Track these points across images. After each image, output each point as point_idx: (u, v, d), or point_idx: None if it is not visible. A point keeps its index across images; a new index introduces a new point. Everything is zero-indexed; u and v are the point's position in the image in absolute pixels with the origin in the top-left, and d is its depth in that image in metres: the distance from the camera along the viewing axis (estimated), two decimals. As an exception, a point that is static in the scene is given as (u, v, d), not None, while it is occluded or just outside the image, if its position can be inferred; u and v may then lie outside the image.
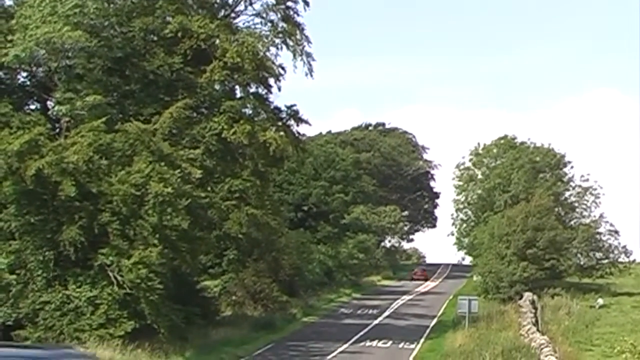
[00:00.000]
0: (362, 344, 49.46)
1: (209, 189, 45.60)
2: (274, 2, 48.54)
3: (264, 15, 48.59)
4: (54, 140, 40.56)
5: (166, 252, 39.92)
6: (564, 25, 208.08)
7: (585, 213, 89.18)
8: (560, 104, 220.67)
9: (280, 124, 48.23)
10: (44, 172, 38.21)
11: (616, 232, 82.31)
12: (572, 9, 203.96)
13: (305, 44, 48.14)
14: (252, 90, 47.59)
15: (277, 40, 47.73)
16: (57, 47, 40.94)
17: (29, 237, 40.15)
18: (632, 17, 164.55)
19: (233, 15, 50.03)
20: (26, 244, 40.09)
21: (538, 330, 46.69)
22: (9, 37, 41.14)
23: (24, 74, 44.68)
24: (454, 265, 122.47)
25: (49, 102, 43.40)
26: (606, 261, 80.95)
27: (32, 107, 45.16)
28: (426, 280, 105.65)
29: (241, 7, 49.74)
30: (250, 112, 47.43)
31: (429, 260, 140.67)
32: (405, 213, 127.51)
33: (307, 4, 48.96)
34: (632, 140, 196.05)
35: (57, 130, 42.53)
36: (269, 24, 48.43)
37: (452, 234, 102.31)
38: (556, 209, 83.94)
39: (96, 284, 39.33)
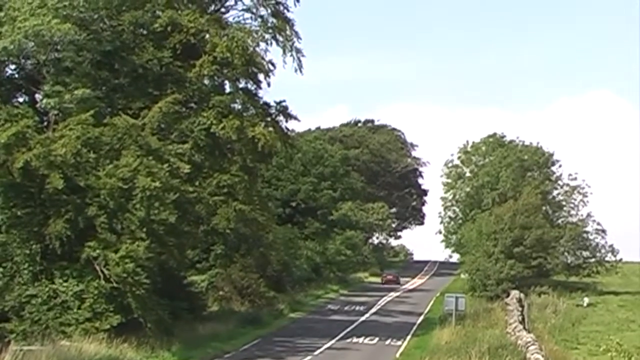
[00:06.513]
0: (349, 340, 49.48)
1: (197, 183, 45.50)
2: (264, -3, 48.45)
3: (254, 10, 48.58)
4: (41, 133, 40.38)
5: (153, 246, 39.81)
6: (559, 26, 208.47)
7: (572, 212, 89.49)
8: (553, 105, 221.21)
9: (269, 119, 48.14)
10: (32, 165, 38.08)
11: (603, 231, 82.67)
12: (567, 10, 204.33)
13: (295, 39, 48.11)
14: (242, 85, 47.58)
15: (267, 36, 47.67)
16: (46, 39, 40.72)
17: (16, 230, 40.01)
18: (627, 19, 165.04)
19: (223, 10, 49.98)
20: (12, 237, 39.95)
21: (524, 328, 46.74)
22: (-3, 29, 40.91)
23: (12, 67, 44.40)
24: (441, 262, 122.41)
25: (37, 95, 43.17)
26: (593, 260, 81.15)
27: (20, 99, 44.90)
28: (398, 283, 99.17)
29: (231, 2, 49.82)
30: (239, 107, 47.35)
31: (416, 258, 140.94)
32: (393, 210, 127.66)
33: None
34: (624, 141, 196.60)
35: (45, 123, 42.34)
36: (259, 19, 48.40)
37: (440, 232, 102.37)
38: (544, 208, 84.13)
39: (83, 278, 39.23)
